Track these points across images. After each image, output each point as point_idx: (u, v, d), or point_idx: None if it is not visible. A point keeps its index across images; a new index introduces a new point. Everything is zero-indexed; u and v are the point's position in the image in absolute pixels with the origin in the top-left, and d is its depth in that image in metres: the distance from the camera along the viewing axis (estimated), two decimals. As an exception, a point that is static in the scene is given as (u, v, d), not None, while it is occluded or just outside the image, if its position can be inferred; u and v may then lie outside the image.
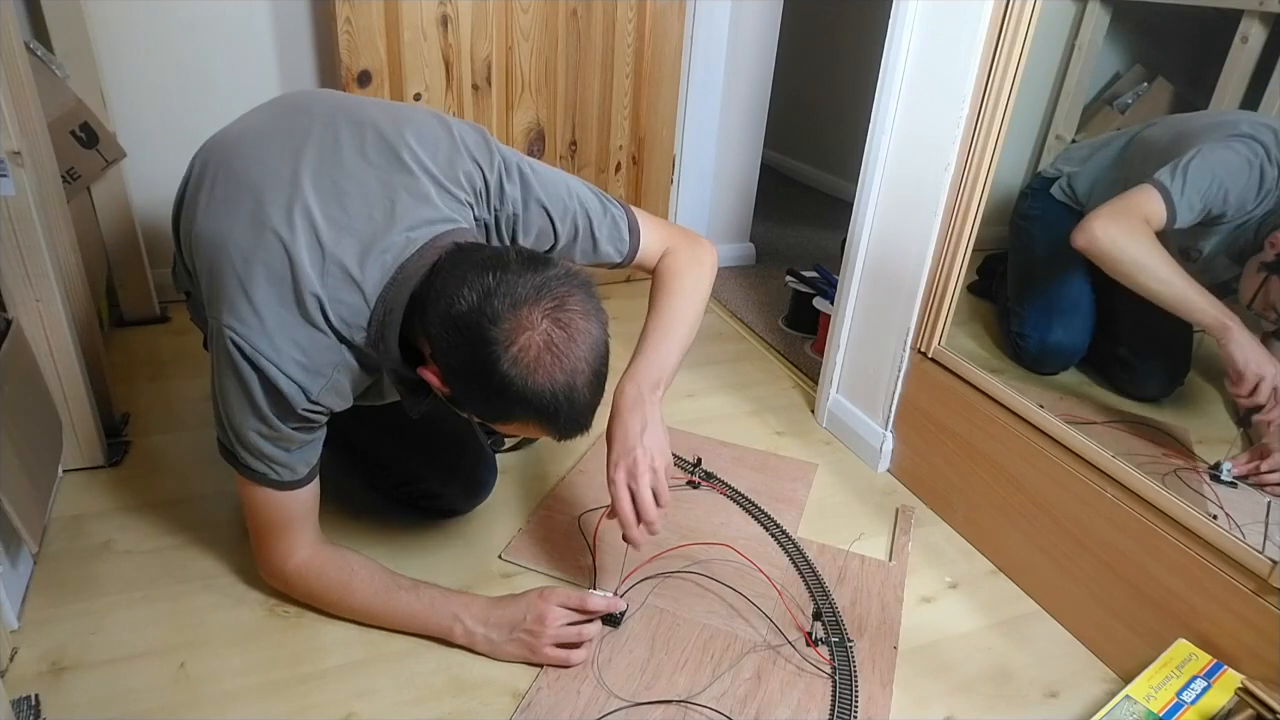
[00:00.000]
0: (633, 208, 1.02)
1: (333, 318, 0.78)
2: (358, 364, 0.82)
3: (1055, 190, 1.42)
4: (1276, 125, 1.15)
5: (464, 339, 0.72)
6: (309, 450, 0.86)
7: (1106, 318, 1.37)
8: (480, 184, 0.88)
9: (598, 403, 0.78)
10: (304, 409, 0.80)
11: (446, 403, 0.82)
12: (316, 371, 0.79)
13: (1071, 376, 1.40)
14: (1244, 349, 1.07)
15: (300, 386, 0.79)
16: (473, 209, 0.87)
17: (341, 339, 0.80)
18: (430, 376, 0.78)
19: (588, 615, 0.92)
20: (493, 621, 0.91)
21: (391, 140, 0.85)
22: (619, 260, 1.01)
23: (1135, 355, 1.22)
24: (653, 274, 1.04)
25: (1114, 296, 1.38)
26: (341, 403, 0.84)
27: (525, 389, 0.72)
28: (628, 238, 1.00)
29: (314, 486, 0.90)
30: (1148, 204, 1.14)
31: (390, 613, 0.92)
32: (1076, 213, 1.38)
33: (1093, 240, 1.14)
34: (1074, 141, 1.50)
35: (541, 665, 0.91)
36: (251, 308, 0.77)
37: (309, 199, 0.80)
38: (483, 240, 0.87)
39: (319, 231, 0.79)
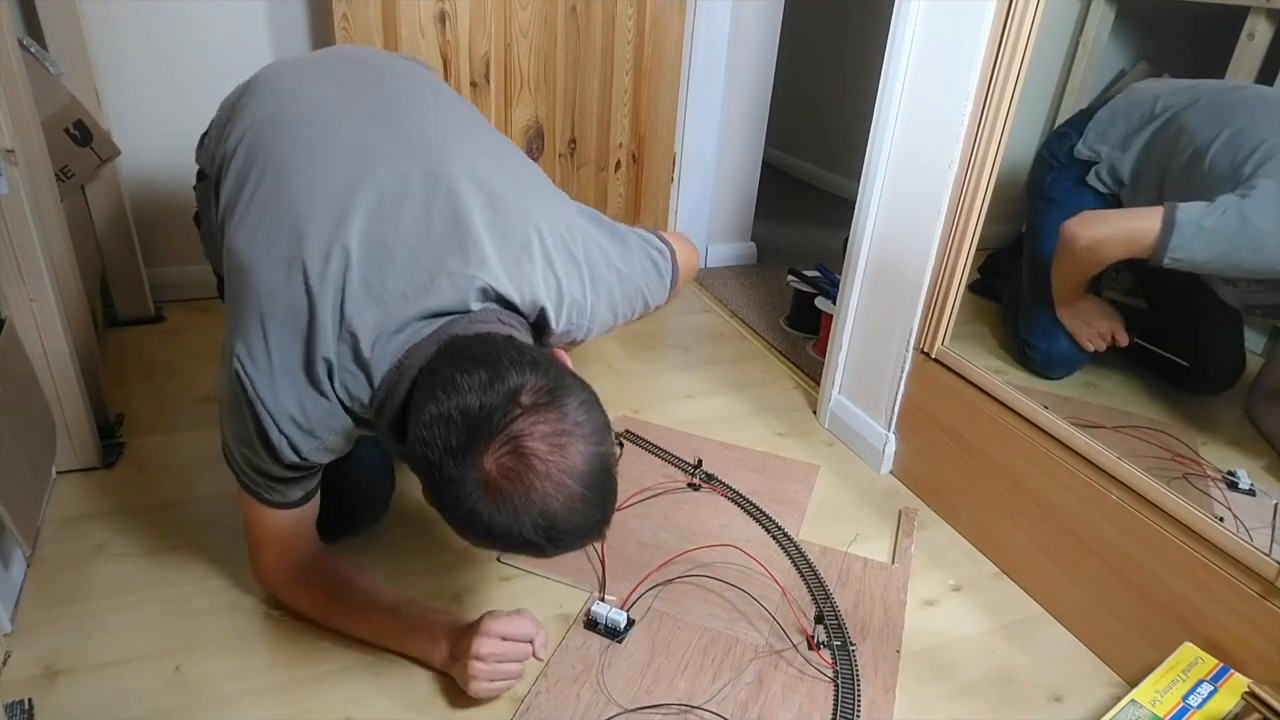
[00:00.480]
0: (667, 240, 0.99)
1: (338, 386, 0.75)
2: (357, 425, 0.79)
3: (1092, 179, 1.33)
4: None
5: (429, 478, 0.66)
6: (303, 483, 0.84)
7: (1156, 326, 1.36)
8: (550, 304, 0.81)
9: (599, 518, 0.68)
10: (291, 462, 0.78)
11: None
12: (311, 433, 0.76)
13: (1103, 376, 1.39)
14: (1070, 320, 1.33)
15: (291, 444, 0.76)
16: (520, 312, 0.80)
17: (345, 408, 0.77)
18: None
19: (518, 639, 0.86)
20: (458, 651, 0.87)
21: (463, 218, 0.77)
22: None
23: (1191, 360, 1.26)
24: None
25: (1162, 303, 1.38)
26: (333, 457, 0.82)
27: (498, 532, 0.65)
28: (668, 291, 1.00)
29: (310, 506, 0.88)
30: (1143, 229, 1.14)
31: (370, 634, 0.91)
32: (1115, 201, 1.33)
33: (1071, 241, 1.24)
34: (1093, 109, 1.37)
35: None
36: (265, 349, 0.74)
37: (351, 249, 0.74)
38: (489, 326, 0.76)
39: (347, 291, 0.73)
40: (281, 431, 0.75)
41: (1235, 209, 1.08)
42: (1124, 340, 1.32)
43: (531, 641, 0.85)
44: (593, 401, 0.68)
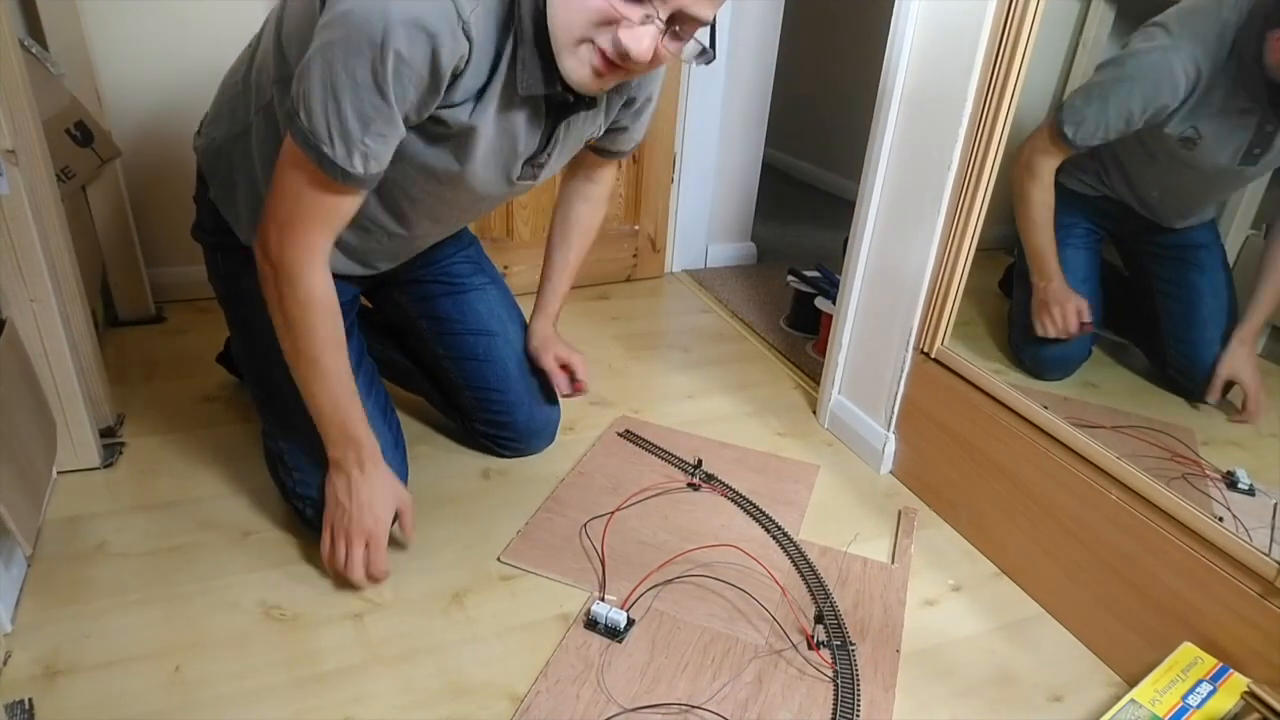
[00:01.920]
0: None
1: None
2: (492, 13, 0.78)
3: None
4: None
5: None
6: (380, 144, 0.80)
7: (1150, 333, 1.40)
8: None
9: None
10: (455, 21, 0.74)
11: None
12: None
13: (1103, 377, 1.41)
14: (1044, 292, 1.36)
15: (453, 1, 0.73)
16: None
17: None
18: None
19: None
20: (364, 484, 0.95)
21: None
22: (616, 151, 1.13)
23: (1181, 374, 1.32)
24: (584, 195, 1.21)
25: (1157, 311, 1.40)
26: (465, 49, 0.77)
27: None
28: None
29: (356, 201, 0.85)
30: (1043, 129, 1.27)
31: (328, 391, 0.91)
32: (1099, 200, 1.37)
33: (1015, 169, 1.31)
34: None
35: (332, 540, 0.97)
36: None
37: None
38: None
39: None
40: None
41: (1108, 62, 1.26)
42: (1086, 317, 1.35)
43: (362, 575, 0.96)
44: None
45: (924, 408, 1.26)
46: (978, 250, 1.15)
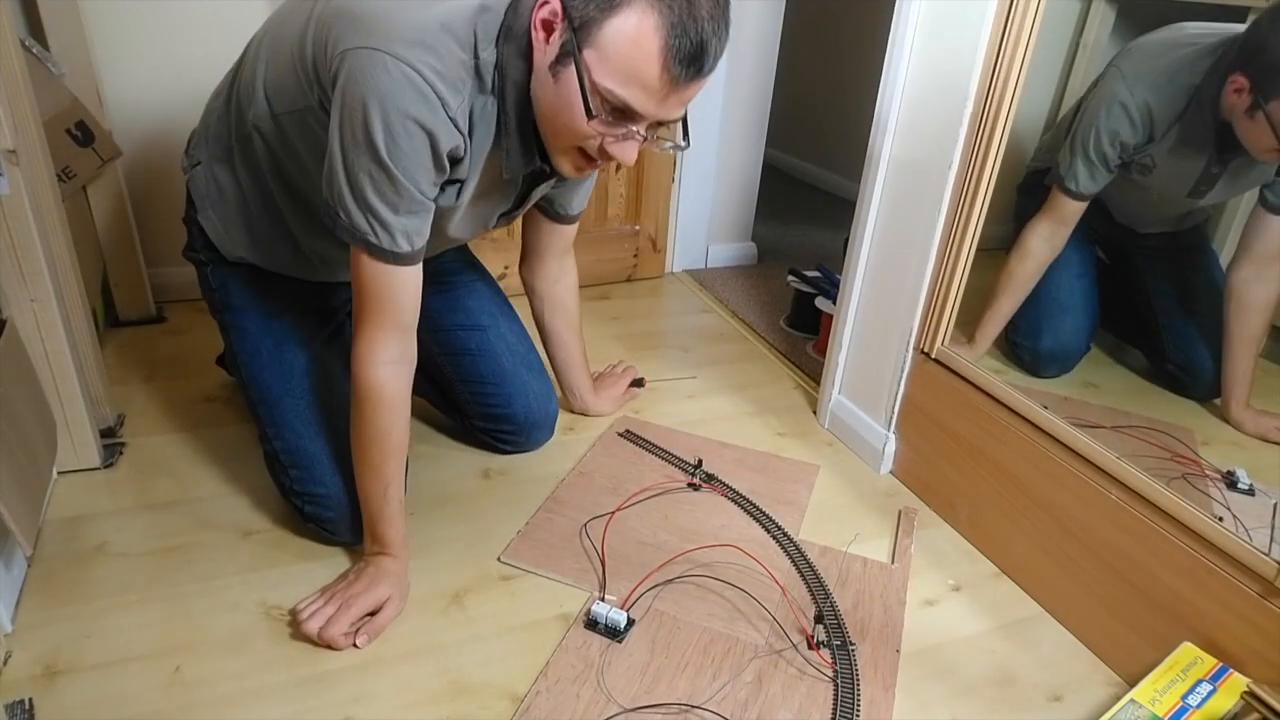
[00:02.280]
0: None
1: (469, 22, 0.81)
2: (477, 92, 0.84)
3: (1049, 182, 1.40)
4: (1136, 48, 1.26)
5: (580, 30, 0.76)
6: (414, 219, 0.87)
7: (1148, 331, 1.42)
8: None
9: (719, 32, 0.83)
10: (446, 119, 0.81)
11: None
12: (453, 86, 0.80)
13: (1103, 377, 1.42)
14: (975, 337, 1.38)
15: (440, 97, 0.79)
16: None
17: (476, 54, 0.82)
18: (544, 18, 0.79)
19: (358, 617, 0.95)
20: (372, 567, 0.97)
21: None
22: (572, 215, 1.20)
23: (1181, 369, 1.34)
24: (568, 288, 1.29)
25: (1153, 309, 1.42)
26: (460, 140, 0.84)
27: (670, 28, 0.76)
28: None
29: (414, 274, 0.90)
30: (1058, 205, 1.32)
31: (380, 483, 0.95)
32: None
33: (1019, 243, 1.36)
34: (1046, 135, 1.49)
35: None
36: (385, 23, 0.78)
37: None
38: None
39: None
40: (428, 82, 0.78)
41: (1079, 108, 1.31)
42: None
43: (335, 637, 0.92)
44: None
45: (924, 408, 1.26)
46: (978, 250, 1.15)
